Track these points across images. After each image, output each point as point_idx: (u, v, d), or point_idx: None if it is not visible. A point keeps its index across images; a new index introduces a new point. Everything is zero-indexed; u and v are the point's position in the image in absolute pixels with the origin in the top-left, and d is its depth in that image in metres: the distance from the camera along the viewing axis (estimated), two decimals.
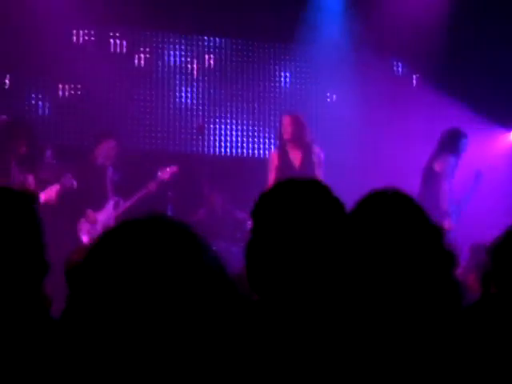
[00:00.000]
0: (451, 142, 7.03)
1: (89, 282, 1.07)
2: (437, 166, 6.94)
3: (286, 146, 6.68)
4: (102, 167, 6.99)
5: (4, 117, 6.82)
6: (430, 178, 6.90)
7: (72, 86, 8.27)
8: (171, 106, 8.62)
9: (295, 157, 6.66)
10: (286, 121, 6.72)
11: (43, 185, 6.45)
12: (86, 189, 6.68)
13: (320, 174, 6.48)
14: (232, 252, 6.61)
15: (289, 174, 6.01)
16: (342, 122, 8.41)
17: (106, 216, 6.91)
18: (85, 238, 6.73)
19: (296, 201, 1.72)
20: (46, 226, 1.75)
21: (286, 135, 6.66)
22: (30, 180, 6.39)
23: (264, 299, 1.70)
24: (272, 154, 6.98)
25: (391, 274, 1.80)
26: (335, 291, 1.64)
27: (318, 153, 6.72)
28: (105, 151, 6.97)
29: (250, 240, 1.76)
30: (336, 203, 1.75)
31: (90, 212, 6.82)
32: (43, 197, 6.30)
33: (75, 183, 6.54)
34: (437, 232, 1.90)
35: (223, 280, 1.10)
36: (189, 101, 8.70)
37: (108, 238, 1.11)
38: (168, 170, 7.12)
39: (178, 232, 1.11)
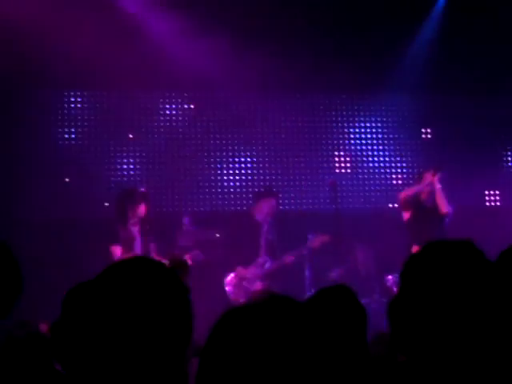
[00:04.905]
0: None
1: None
2: None
3: None
4: (259, 224, 6.94)
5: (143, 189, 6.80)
6: None
7: None
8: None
9: None
10: None
11: (183, 251, 6.37)
12: (240, 244, 6.62)
13: None
14: (372, 309, 6.34)
15: None
16: None
17: (253, 273, 6.81)
18: (229, 289, 6.69)
19: (448, 263, 1.66)
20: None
21: None
22: (152, 248, 6.36)
23: (411, 360, 1.63)
24: None
25: None
26: (486, 354, 1.55)
27: None
28: (265, 209, 6.93)
29: (395, 299, 1.70)
30: (488, 264, 1.68)
31: (239, 268, 6.78)
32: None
33: (202, 257, 6.43)
34: None
35: None
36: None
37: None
38: (318, 238, 6.93)
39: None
